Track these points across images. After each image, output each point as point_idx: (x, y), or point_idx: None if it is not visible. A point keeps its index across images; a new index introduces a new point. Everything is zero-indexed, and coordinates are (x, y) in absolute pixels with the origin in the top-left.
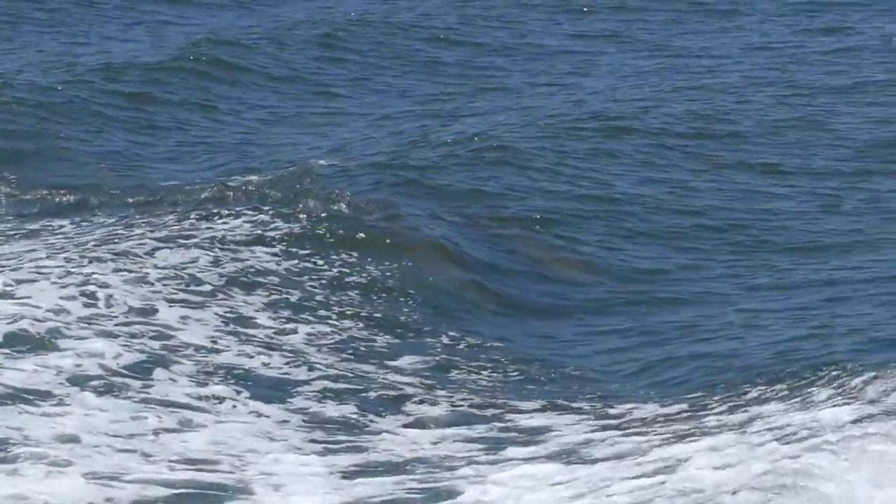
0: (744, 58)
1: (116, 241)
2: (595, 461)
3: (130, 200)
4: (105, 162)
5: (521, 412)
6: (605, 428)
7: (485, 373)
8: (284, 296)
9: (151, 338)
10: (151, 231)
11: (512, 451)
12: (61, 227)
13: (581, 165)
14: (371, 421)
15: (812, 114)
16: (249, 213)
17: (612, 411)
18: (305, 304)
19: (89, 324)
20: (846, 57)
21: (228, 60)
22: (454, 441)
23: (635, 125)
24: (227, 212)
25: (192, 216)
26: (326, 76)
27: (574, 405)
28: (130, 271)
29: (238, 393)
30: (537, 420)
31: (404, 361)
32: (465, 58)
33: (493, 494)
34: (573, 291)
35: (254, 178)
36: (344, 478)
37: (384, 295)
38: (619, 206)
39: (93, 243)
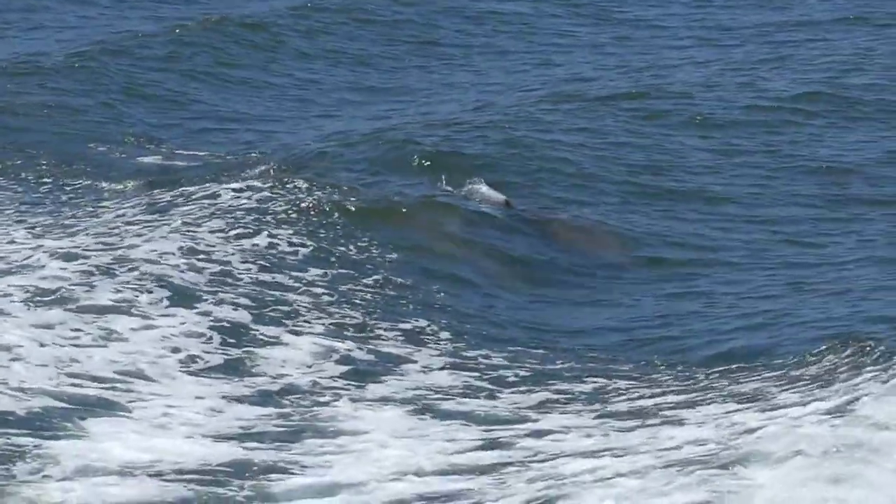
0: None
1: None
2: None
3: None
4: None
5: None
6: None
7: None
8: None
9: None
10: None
11: None
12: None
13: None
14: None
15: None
16: (263, 189)
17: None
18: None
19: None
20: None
21: (229, 42)
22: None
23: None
24: (239, 187)
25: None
26: (350, 53)
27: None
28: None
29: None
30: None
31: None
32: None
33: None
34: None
35: (273, 155)
36: None
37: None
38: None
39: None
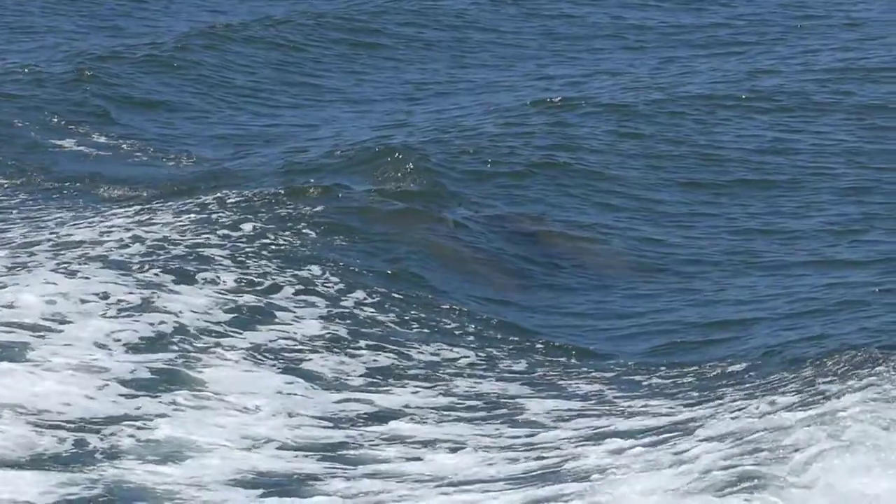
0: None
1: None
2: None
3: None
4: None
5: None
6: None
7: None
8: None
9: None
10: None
11: None
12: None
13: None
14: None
15: None
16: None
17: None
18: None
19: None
20: None
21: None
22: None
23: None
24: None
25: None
26: (352, 62)
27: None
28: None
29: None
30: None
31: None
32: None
33: None
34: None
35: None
36: None
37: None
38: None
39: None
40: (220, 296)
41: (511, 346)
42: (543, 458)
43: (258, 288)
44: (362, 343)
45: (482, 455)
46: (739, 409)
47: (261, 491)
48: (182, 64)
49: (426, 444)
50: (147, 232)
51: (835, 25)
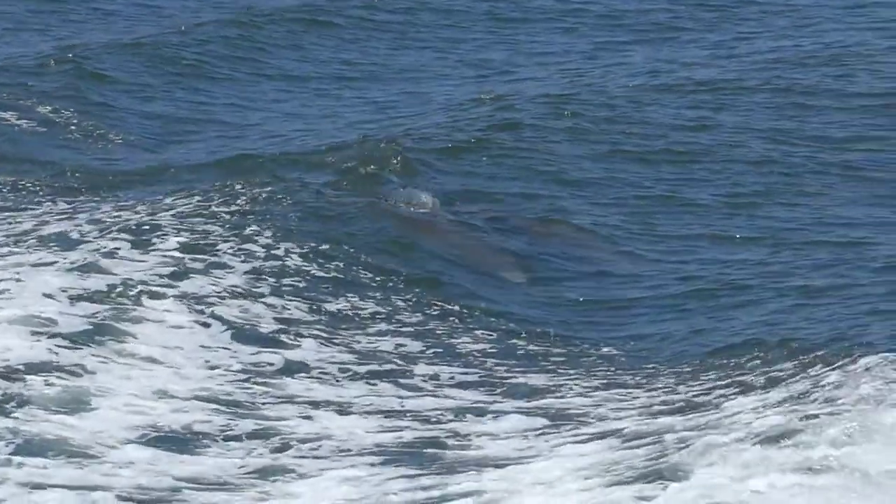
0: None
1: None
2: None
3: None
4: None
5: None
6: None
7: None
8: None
9: None
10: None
11: None
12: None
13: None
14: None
15: None
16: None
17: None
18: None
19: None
20: None
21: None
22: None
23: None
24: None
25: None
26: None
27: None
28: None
29: None
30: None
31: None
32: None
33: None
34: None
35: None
36: None
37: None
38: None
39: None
40: (163, 257)
41: (412, 303)
42: (426, 427)
43: (203, 250)
44: (286, 298)
45: (367, 421)
46: (621, 400)
47: (152, 445)
48: (154, 56)
49: (320, 404)
50: (107, 215)
51: (772, 12)
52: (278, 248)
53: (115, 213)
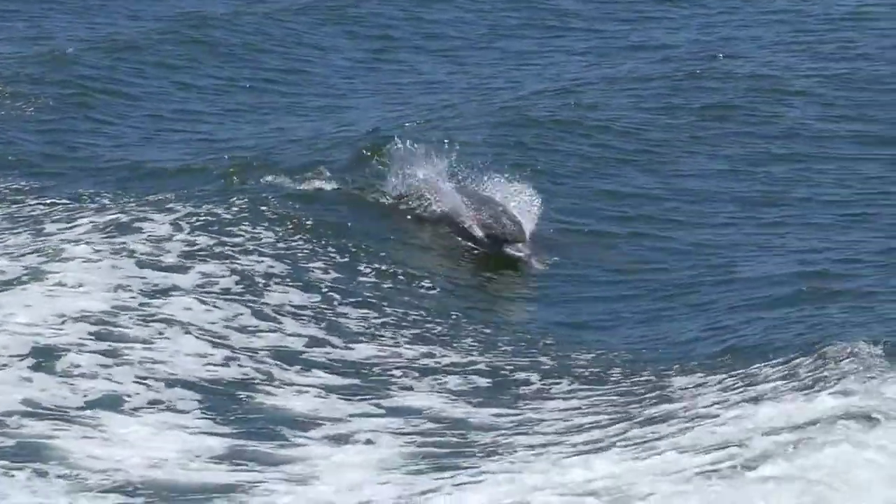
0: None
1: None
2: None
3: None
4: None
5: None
6: None
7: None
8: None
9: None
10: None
11: None
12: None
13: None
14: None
15: None
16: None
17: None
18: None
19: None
20: None
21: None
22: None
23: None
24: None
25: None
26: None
27: None
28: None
29: None
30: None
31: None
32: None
33: None
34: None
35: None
36: None
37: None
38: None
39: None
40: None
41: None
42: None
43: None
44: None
45: None
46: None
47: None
48: (148, 58)
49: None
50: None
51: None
52: (280, 242)
53: (89, 213)
